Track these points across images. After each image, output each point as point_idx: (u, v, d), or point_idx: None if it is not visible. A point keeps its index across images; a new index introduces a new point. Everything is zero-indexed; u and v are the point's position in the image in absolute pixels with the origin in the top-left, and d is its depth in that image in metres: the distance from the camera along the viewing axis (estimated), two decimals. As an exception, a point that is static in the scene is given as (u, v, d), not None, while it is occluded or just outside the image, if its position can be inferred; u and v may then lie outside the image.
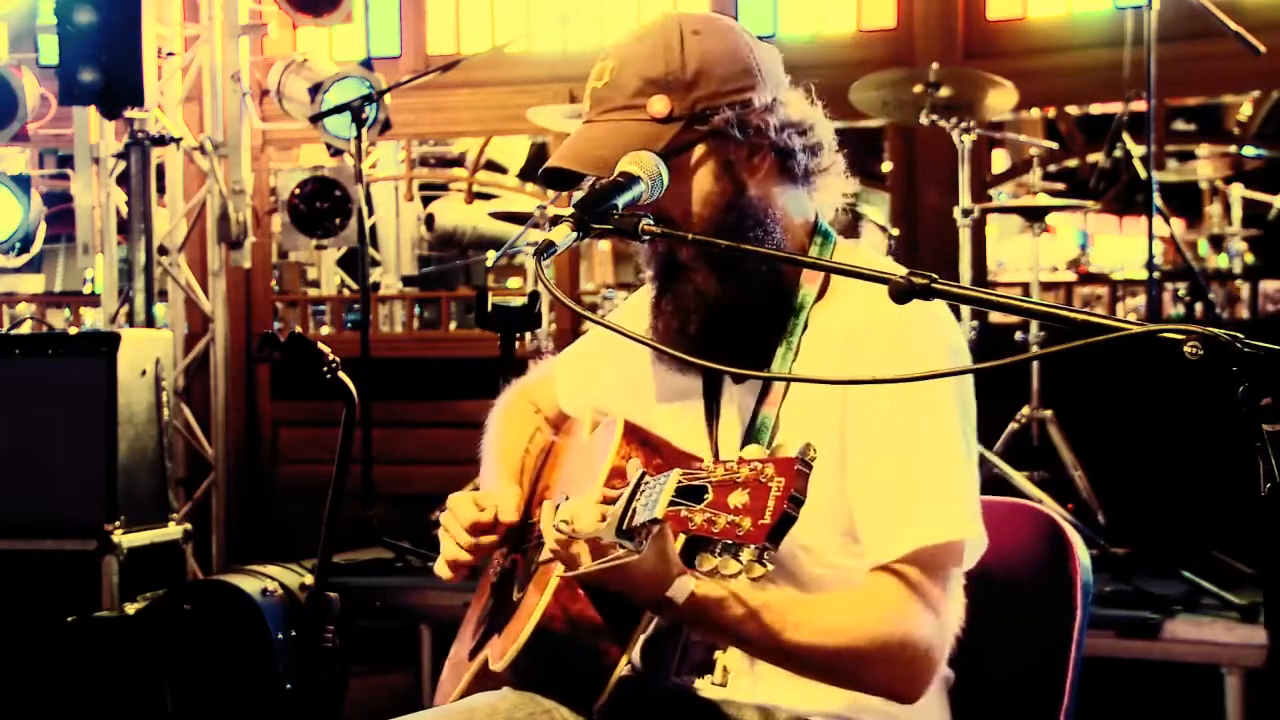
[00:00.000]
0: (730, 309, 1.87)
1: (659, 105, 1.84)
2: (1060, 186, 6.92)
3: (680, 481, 1.52)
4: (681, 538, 1.64)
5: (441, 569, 2.04)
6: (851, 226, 4.63)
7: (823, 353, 1.87)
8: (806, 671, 1.78)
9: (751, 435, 1.87)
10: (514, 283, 7.62)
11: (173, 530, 4.79)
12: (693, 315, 1.88)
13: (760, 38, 1.96)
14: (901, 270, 1.66)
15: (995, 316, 5.24)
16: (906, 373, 1.74)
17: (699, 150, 1.86)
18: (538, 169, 2.21)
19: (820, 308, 1.90)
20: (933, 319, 1.84)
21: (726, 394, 1.95)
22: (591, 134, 1.88)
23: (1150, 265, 4.36)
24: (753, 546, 1.46)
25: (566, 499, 1.95)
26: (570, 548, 1.68)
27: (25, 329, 5.69)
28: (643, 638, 1.87)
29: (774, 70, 1.92)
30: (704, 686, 1.89)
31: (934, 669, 1.76)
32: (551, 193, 5.43)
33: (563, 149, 1.89)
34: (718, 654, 1.89)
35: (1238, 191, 7.22)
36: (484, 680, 1.94)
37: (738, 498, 1.47)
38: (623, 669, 1.78)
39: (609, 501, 1.64)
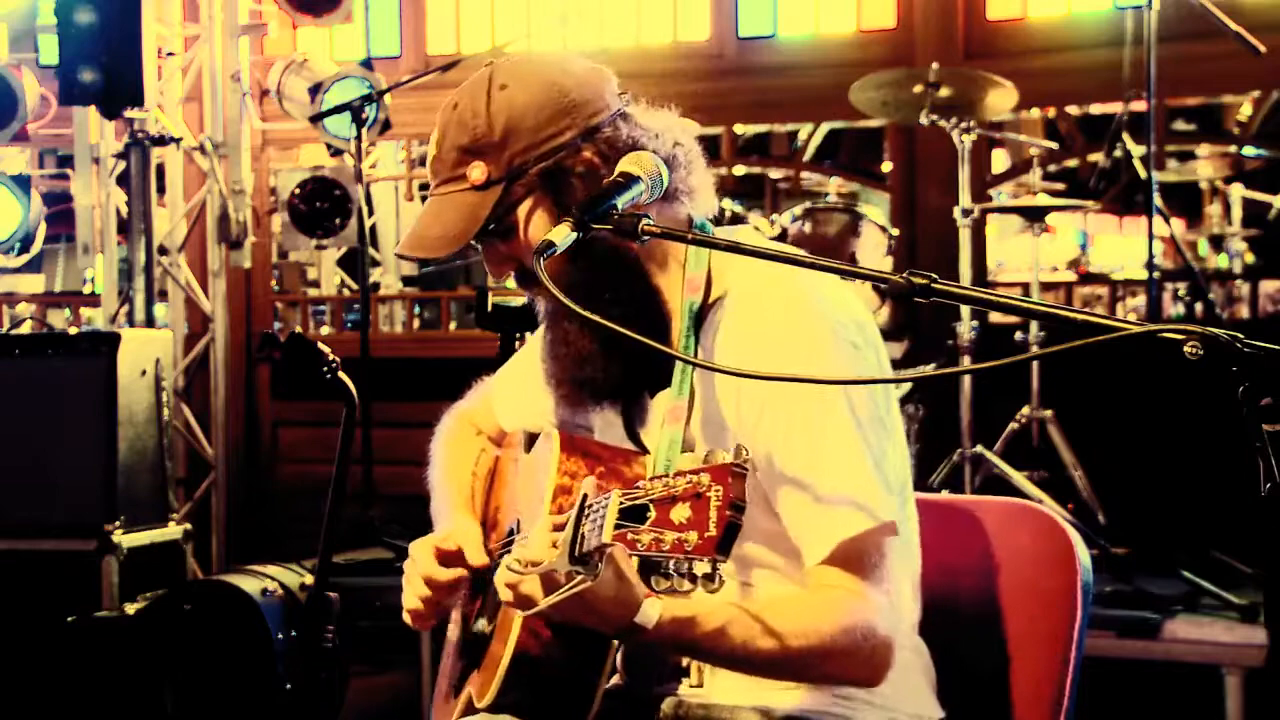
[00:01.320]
0: (612, 343, 1.84)
1: (476, 173, 1.84)
2: (1060, 186, 6.91)
3: (622, 503, 1.50)
4: (635, 560, 1.60)
5: (409, 618, 2.02)
6: (852, 226, 4.63)
7: (721, 357, 1.84)
8: (776, 674, 1.79)
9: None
10: (514, 282, 7.61)
11: (173, 530, 4.79)
12: (570, 361, 1.88)
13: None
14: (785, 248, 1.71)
15: (995, 316, 5.24)
16: (805, 365, 1.75)
17: (526, 205, 1.85)
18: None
19: (707, 313, 1.88)
20: (819, 301, 1.81)
21: (652, 417, 1.91)
22: (429, 211, 1.89)
23: (1150, 265, 4.35)
24: (704, 560, 1.43)
25: (517, 527, 1.95)
26: (521, 588, 1.66)
27: (25, 329, 5.68)
28: (621, 651, 1.86)
29: (595, 97, 1.86)
30: (685, 691, 1.89)
31: (892, 651, 1.76)
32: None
33: (408, 233, 1.91)
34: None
35: (1238, 191, 7.22)
36: (470, 716, 1.92)
37: (680, 512, 1.45)
38: (605, 684, 1.78)
39: (560, 528, 1.61)
